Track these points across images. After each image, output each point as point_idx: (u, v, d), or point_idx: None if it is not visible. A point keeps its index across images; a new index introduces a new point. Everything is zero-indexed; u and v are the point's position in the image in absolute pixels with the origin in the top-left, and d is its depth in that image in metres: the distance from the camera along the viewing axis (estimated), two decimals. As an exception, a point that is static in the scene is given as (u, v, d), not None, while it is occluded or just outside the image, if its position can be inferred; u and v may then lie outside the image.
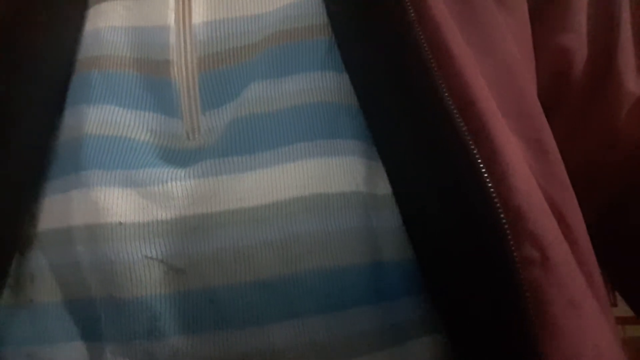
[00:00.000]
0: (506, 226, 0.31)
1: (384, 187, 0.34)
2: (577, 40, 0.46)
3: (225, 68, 0.38)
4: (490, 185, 0.31)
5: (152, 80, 0.38)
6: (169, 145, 0.37)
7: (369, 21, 0.36)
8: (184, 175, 0.35)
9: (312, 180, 0.33)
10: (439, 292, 0.32)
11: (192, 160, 0.35)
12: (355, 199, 0.33)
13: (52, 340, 0.34)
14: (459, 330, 0.32)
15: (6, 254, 0.35)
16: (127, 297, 0.32)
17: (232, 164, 0.34)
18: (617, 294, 0.50)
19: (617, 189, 0.47)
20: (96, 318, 0.33)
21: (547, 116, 0.38)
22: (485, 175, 0.31)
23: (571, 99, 0.46)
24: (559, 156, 0.37)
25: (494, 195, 0.31)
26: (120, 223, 0.33)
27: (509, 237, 0.31)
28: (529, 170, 0.34)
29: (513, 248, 0.30)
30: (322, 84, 0.35)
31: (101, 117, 0.36)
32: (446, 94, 0.32)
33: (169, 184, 0.34)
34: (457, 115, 0.32)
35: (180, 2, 0.39)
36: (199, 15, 0.39)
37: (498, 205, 0.31)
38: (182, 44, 0.38)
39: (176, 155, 0.36)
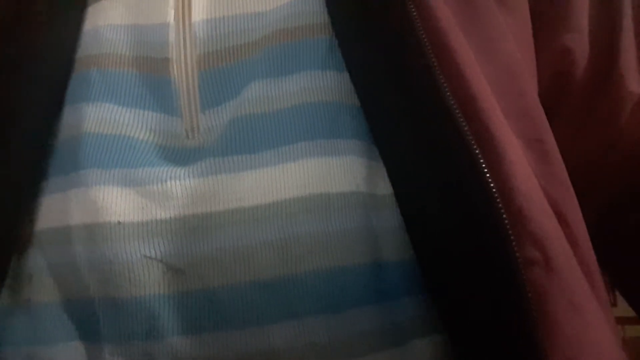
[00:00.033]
0: (508, 227, 0.31)
1: (384, 187, 0.33)
2: (579, 40, 0.45)
3: (225, 66, 0.37)
4: (492, 185, 0.31)
5: (151, 79, 0.38)
6: (168, 144, 0.36)
7: (370, 20, 0.35)
8: (184, 174, 0.34)
9: (312, 180, 0.33)
10: (440, 292, 0.32)
11: (192, 159, 0.35)
12: (356, 199, 0.33)
13: (50, 341, 0.34)
14: (459, 331, 0.31)
15: (5, 253, 0.35)
16: (126, 297, 0.32)
17: (231, 163, 0.34)
18: (617, 294, 0.50)
19: (618, 189, 0.47)
20: (94, 318, 0.33)
21: (548, 116, 0.38)
22: (488, 175, 0.31)
23: (573, 99, 0.46)
24: (559, 156, 0.37)
25: (496, 196, 0.31)
26: (119, 222, 0.33)
27: (511, 238, 0.30)
28: (530, 170, 0.34)
29: (515, 249, 0.30)
30: (322, 83, 0.35)
31: (100, 116, 0.36)
32: (448, 94, 0.32)
33: (168, 183, 0.34)
34: (459, 115, 0.32)
35: (180, 0, 0.39)
36: (199, 12, 0.39)
37: (500, 206, 0.31)
38: (182, 42, 0.38)
39: (175, 154, 0.36)
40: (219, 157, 0.35)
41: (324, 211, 0.33)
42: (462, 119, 0.32)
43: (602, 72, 0.46)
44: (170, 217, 0.33)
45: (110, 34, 0.39)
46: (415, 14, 0.34)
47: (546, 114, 0.38)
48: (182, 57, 0.38)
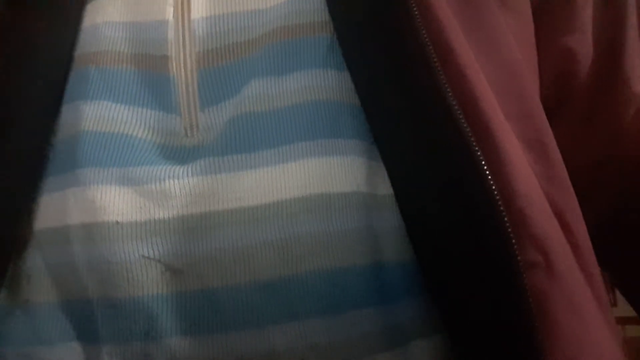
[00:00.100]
0: (509, 229, 0.30)
1: (384, 188, 0.33)
2: (582, 40, 0.45)
3: (225, 64, 0.37)
4: (494, 187, 0.31)
5: (150, 76, 0.38)
6: (167, 143, 0.36)
7: (371, 19, 0.35)
8: (182, 173, 0.34)
9: (312, 180, 0.33)
10: (440, 293, 0.32)
11: (191, 158, 0.35)
12: (356, 199, 0.33)
13: (48, 341, 0.33)
14: (459, 331, 0.31)
15: (5, 253, 0.35)
16: (124, 297, 0.32)
17: (231, 162, 0.34)
18: (617, 294, 0.50)
19: (619, 189, 0.47)
20: (93, 318, 0.33)
21: (550, 117, 0.38)
22: (489, 176, 0.31)
23: (576, 100, 0.46)
24: (560, 157, 0.37)
25: (497, 197, 0.31)
26: (117, 222, 0.33)
27: (513, 241, 0.30)
28: (531, 172, 0.34)
29: (517, 253, 0.30)
30: (323, 82, 0.35)
31: (98, 114, 0.36)
32: (449, 94, 0.32)
33: (167, 182, 0.34)
34: (460, 116, 0.32)
35: None
36: (198, 10, 0.38)
37: (501, 206, 0.31)
38: (181, 39, 0.38)
39: (174, 153, 0.36)
40: (218, 156, 0.34)
41: (324, 211, 0.32)
42: (462, 120, 0.32)
43: (605, 73, 0.45)
44: (169, 217, 0.33)
45: (108, 31, 0.38)
46: (416, 13, 0.34)
47: (548, 114, 0.38)
48: (182, 54, 0.38)
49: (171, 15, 0.38)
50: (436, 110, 0.32)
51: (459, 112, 0.32)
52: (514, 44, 0.38)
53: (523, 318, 0.30)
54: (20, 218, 0.35)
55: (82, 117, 0.36)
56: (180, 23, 0.38)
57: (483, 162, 0.31)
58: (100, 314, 0.33)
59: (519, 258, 0.30)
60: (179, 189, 0.34)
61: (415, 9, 0.34)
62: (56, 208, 0.34)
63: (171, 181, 0.34)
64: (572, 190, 0.37)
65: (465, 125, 0.32)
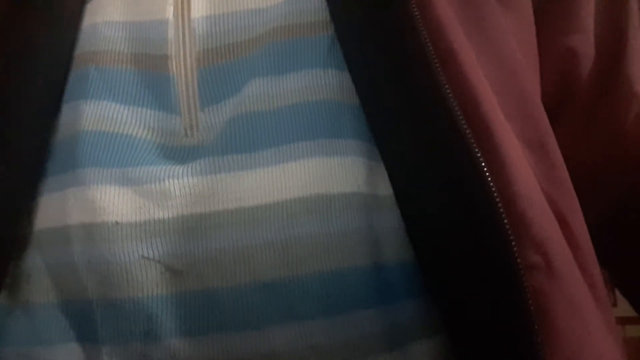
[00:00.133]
0: (509, 230, 0.30)
1: (384, 188, 0.33)
2: (584, 41, 0.45)
3: (225, 63, 0.37)
4: (493, 187, 0.31)
5: (150, 76, 0.37)
6: (166, 142, 0.36)
7: (371, 19, 0.35)
8: (182, 173, 0.34)
9: (313, 180, 0.33)
10: (440, 293, 0.32)
11: (191, 158, 0.35)
12: (357, 199, 0.33)
13: (48, 342, 0.33)
14: (460, 332, 0.31)
15: (5, 254, 0.35)
16: (124, 298, 0.32)
17: (231, 162, 0.34)
18: (617, 294, 0.50)
19: (621, 190, 0.47)
20: (92, 319, 0.33)
21: (551, 117, 0.38)
22: (488, 177, 0.31)
23: (577, 101, 0.46)
24: (561, 158, 0.37)
25: (496, 198, 0.31)
26: (117, 222, 0.33)
27: (513, 242, 0.30)
28: (532, 173, 0.34)
29: (516, 253, 0.30)
30: (323, 82, 0.35)
31: (98, 114, 0.36)
32: (449, 94, 0.32)
33: (167, 182, 0.34)
34: (460, 116, 0.32)
35: None
36: (198, 9, 0.38)
37: (500, 207, 0.31)
38: (181, 39, 0.38)
39: (174, 153, 0.36)
40: (218, 156, 0.34)
41: (324, 212, 0.32)
42: (462, 120, 0.32)
43: (607, 74, 0.45)
44: (169, 217, 0.33)
45: (108, 30, 0.38)
46: (416, 13, 0.34)
47: (549, 114, 0.38)
48: (182, 54, 0.37)
49: (171, 14, 0.38)
50: (436, 111, 0.32)
51: (458, 112, 0.32)
52: (514, 44, 0.38)
53: (523, 319, 0.30)
54: (20, 218, 0.35)
55: (82, 117, 0.36)
56: (180, 22, 0.38)
57: (483, 163, 0.31)
58: (100, 314, 0.32)
59: (518, 259, 0.30)
60: (178, 189, 0.34)
61: (415, 8, 0.34)
62: (56, 208, 0.34)
63: (171, 181, 0.34)
64: (572, 190, 0.37)
65: (464, 126, 0.32)
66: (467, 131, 0.32)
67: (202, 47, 0.37)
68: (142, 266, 0.32)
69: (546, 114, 0.38)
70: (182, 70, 0.37)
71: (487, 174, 0.31)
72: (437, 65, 0.33)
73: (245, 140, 0.34)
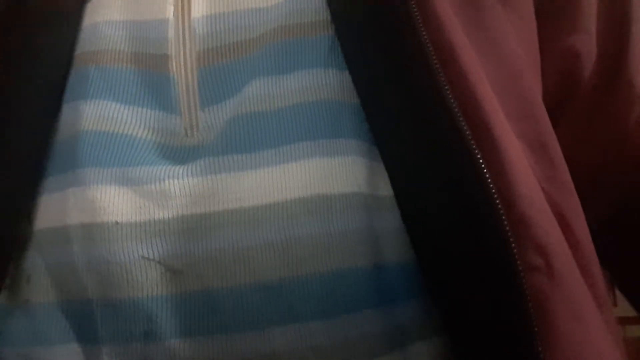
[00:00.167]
0: (509, 233, 0.30)
1: (385, 188, 0.33)
2: (586, 41, 0.45)
3: (225, 63, 0.37)
4: (492, 187, 0.31)
5: (150, 75, 0.37)
6: (166, 142, 0.36)
7: (371, 18, 0.35)
8: (182, 173, 0.34)
9: (313, 181, 0.33)
10: (440, 293, 0.32)
11: (191, 158, 0.35)
12: (357, 200, 0.33)
13: (47, 342, 0.33)
14: (460, 332, 0.31)
15: (5, 254, 0.35)
16: (124, 298, 0.32)
17: (231, 162, 0.34)
18: (617, 294, 0.50)
19: (622, 190, 0.47)
20: (92, 319, 0.33)
21: (552, 117, 0.38)
22: (488, 178, 0.31)
23: (578, 101, 0.46)
24: (562, 158, 0.37)
25: (496, 198, 0.31)
26: (117, 222, 0.33)
27: (513, 244, 0.30)
28: (532, 174, 0.34)
29: (517, 256, 0.30)
30: (324, 82, 0.35)
31: (98, 113, 0.36)
32: (449, 94, 0.32)
33: (167, 182, 0.34)
34: (460, 117, 0.32)
35: None
36: (198, 8, 0.38)
37: (500, 207, 0.31)
38: (181, 38, 0.38)
39: (174, 153, 0.36)
40: (218, 156, 0.34)
41: (325, 212, 0.32)
42: (462, 120, 0.32)
43: (609, 74, 0.45)
44: (169, 217, 0.33)
45: (108, 30, 0.38)
46: (416, 13, 0.34)
47: (551, 115, 0.38)
48: (182, 53, 0.37)
49: (171, 14, 0.38)
50: (436, 111, 0.32)
51: (458, 112, 0.32)
52: (515, 44, 0.38)
53: (522, 319, 0.30)
54: (20, 218, 0.35)
55: (82, 117, 0.36)
56: (180, 22, 0.38)
57: (482, 163, 0.31)
58: (100, 314, 0.32)
59: (518, 259, 0.30)
60: (178, 189, 0.34)
61: (415, 8, 0.34)
62: (56, 208, 0.34)
63: (171, 181, 0.34)
64: (573, 190, 0.37)
65: (464, 126, 0.32)
66: (467, 131, 0.31)
67: (203, 47, 0.37)
68: (142, 266, 0.32)
69: (547, 114, 0.38)
70: (182, 70, 0.37)
71: (487, 174, 0.31)
72: (437, 65, 0.32)
73: (245, 140, 0.34)
